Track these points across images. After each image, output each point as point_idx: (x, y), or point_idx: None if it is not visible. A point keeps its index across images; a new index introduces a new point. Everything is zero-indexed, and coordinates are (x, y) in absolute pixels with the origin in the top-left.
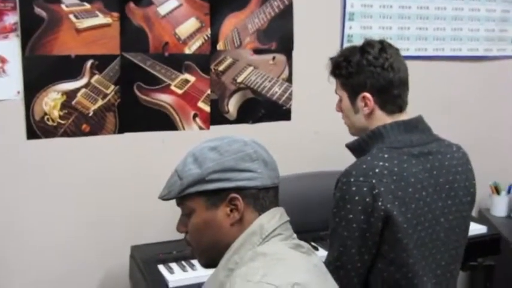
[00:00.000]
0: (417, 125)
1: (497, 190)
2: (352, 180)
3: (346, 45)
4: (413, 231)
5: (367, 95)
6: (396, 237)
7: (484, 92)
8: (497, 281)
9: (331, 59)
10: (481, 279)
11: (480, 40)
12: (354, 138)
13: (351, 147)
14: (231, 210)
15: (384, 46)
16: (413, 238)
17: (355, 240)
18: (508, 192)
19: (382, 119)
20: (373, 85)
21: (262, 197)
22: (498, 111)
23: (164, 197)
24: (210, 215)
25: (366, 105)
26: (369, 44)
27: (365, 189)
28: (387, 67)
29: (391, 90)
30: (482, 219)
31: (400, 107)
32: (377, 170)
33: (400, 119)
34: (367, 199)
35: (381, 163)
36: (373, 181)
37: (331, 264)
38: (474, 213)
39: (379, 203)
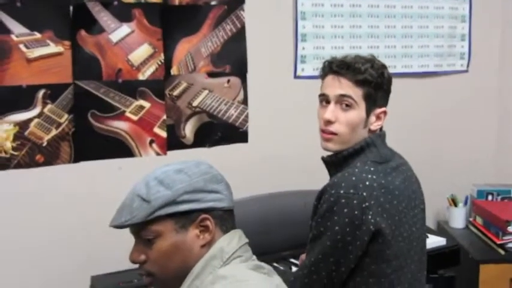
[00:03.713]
0: (384, 138)
1: (454, 202)
2: (341, 192)
3: (300, 65)
4: (395, 242)
5: (386, 110)
6: (381, 250)
7: (437, 106)
8: None
9: (352, 63)
10: None
11: (430, 56)
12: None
13: (329, 161)
14: (201, 232)
15: None
16: (394, 249)
17: (336, 250)
18: (465, 203)
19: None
20: (387, 101)
21: (227, 219)
22: (451, 125)
23: (126, 223)
24: (179, 237)
25: (378, 119)
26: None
27: (355, 201)
28: None
29: None
30: (441, 231)
31: None
32: (367, 183)
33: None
34: (356, 212)
35: (369, 176)
36: (364, 194)
37: (306, 267)
38: (433, 225)
39: (369, 217)
